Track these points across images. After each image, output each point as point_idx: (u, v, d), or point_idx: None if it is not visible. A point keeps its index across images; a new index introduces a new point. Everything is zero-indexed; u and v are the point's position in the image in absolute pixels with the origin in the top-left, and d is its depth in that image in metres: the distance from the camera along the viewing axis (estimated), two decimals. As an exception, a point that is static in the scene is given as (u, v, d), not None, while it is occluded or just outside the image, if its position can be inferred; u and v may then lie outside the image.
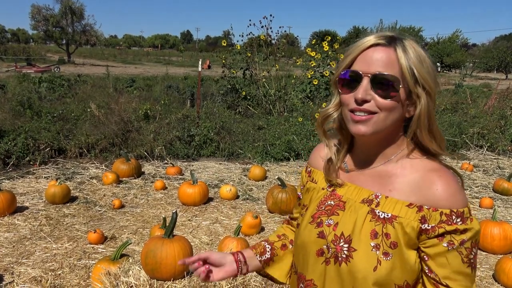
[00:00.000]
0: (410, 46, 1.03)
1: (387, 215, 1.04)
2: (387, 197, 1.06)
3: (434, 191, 1.01)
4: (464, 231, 0.99)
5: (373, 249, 1.02)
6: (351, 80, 1.04)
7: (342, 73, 1.07)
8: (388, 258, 1.01)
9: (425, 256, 1.03)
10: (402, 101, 1.03)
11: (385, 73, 1.01)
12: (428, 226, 1.00)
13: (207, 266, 1.21)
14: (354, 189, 1.13)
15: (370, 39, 1.03)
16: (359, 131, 1.04)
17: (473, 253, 1.01)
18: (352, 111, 1.04)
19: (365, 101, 1.02)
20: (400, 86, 1.01)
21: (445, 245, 0.99)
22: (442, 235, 0.99)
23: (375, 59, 1.02)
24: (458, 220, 0.99)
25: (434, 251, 1.01)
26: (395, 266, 1.01)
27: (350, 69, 1.05)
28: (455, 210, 0.99)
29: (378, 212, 1.05)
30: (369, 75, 1.01)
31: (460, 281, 1.01)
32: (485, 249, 3.98)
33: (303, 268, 1.17)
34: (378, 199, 1.07)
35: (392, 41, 1.03)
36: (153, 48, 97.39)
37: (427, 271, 1.03)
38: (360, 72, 1.02)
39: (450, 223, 0.98)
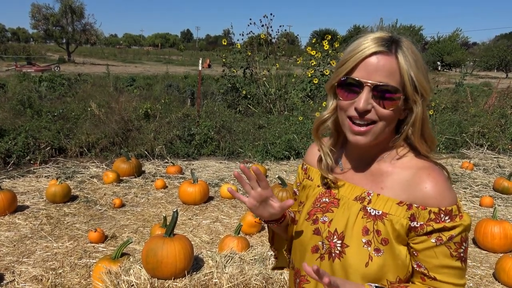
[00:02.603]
0: (408, 49, 1.02)
1: (378, 213, 1.06)
2: (379, 194, 1.08)
3: (423, 189, 1.03)
4: (453, 227, 1.01)
5: (365, 245, 1.05)
6: (351, 88, 1.04)
7: (342, 79, 1.05)
8: (380, 254, 1.04)
9: (414, 252, 1.05)
10: (401, 108, 1.05)
11: (388, 84, 1.00)
12: (417, 224, 1.02)
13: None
14: (347, 187, 1.15)
15: (371, 46, 1.01)
16: (358, 142, 1.06)
17: (463, 247, 1.03)
18: (351, 118, 1.05)
19: (366, 111, 1.02)
20: (401, 96, 1.02)
21: (433, 241, 1.02)
22: (430, 232, 1.01)
23: (376, 68, 1.01)
24: (447, 218, 1.00)
25: (423, 246, 1.03)
26: (387, 262, 1.04)
27: (350, 76, 1.04)
28: (443, 209, 1.01)
29: (370, 209, 1.08)
30: (370, 84, 1.01)
31: (448, 274, 1.03)
32: (485, 248, 3.99)
33: (300, 264, 1.19)
34: (370, 197, 1.09)
35: (391, 47, 1.02)
36: (153, 47, 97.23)
37: (415, 266, 1.06)
38: (362, 81, 1.02)
39: (438, 221, 1.00)
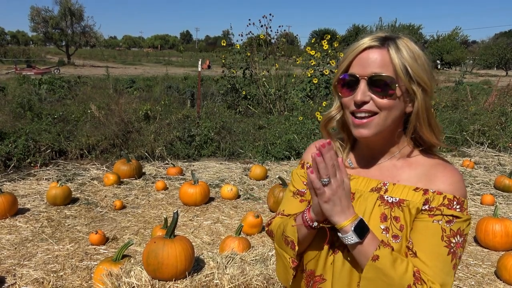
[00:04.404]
0: (404, 44, 1.06)
1: (395, 199, 1.08)
2: (395, 184, 1.11)
3: (440, 178, 1.06)
4: (458, 217, 1.02)
5: (383, 232, 1.06)
6: (349, 83, 1.09)
7: (340, 77, 1.11)
8: (398, 241, 1.05)
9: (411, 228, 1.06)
10: (400, 98, 1.07)
11: (381, 74, 1.04)
12: (428, 207, 1.04)
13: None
14: (362, 180, 1.16)
15: (364, 42, 1.08)
16: (362, 134, 1.08)
17: (456, 239, 1.02)
18: (353, 113, 1.08)
19: (364, 103, 1.06)
20: (396, 85, 1.05)
21: (433, 220, 1.03)
22: (436, 215, 1.03)
23: (369, 61, 1.06)
24: (458, 207, 1.03)
25: (420, 219, 1.04)
26: (403, 248, 1.05)
27: (347, 73, 1.09)
28: (457, 197, 1.04)
29: (387, 197, 1.09)
30: (365, 77, 1.05)
31: (430, 256, 1.00)
32: (487, 246, 3.98)
33: (315, 264, 1.16)
34: (386, 186, 1.11)
35: (385, 42, 1.07)
36: (153, 48, 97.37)
37: (407, 241, 1.05)
38: (357, 75, 1.07)
39: (450, 207, 1.03)
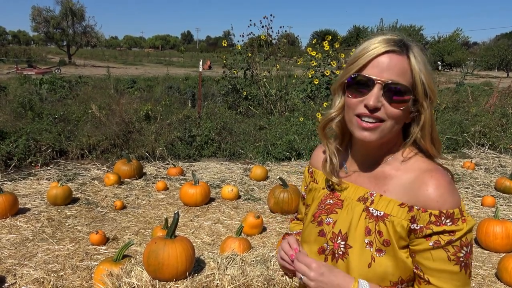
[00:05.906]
0: (418, 52, 1.03)
1: (380, 213, 1.06)
2: (381, 195, 1.08)
3: (424, 192, 1.02)
4: (453, 231, 0.99)
5: (367, 246, 1.05)
6: (361, 85, 1.03)
7: (352, 76, 1.05)
8: (382, 255, 1.04)
9: (412, 253, 1.04)
10: (409, 109, 1.05)
11: (400, 82, 1.00)
12: (417, 226, 1.01)
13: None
14: (351, 188, 1.16)
15: (383, 45, 1.02)
16: (365, 138, 1.04)
17: (463, 251, 1.00)
18: (359, 116, 1.04)
19: (376, 109, 1.02)
20: (411, 96, 1.02)
21: (431, 244, 1.00)
22: (429, 235, 1.00)
23: (389, 66, 1.01)
24: (448, 221, 0.99)
25: (419, 248, 1.02)
26: (389, 263, 1.03)
27: (361, 73, 1.03)
28: (444, 211, 0.99)
29: (372, 210, 1.08)
30: (382, 82, 1.01)
31: (444, 279, 1.00)
32: (487, 248, 3.98)
33: None
34: (372, 197, 1.10)
35: (404, 48, 1.03)
36: (154, 49, 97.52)
37: (414, 267, 1.05)
38: (373, 78, 1.01)
39: (438, 223, 0.99)
